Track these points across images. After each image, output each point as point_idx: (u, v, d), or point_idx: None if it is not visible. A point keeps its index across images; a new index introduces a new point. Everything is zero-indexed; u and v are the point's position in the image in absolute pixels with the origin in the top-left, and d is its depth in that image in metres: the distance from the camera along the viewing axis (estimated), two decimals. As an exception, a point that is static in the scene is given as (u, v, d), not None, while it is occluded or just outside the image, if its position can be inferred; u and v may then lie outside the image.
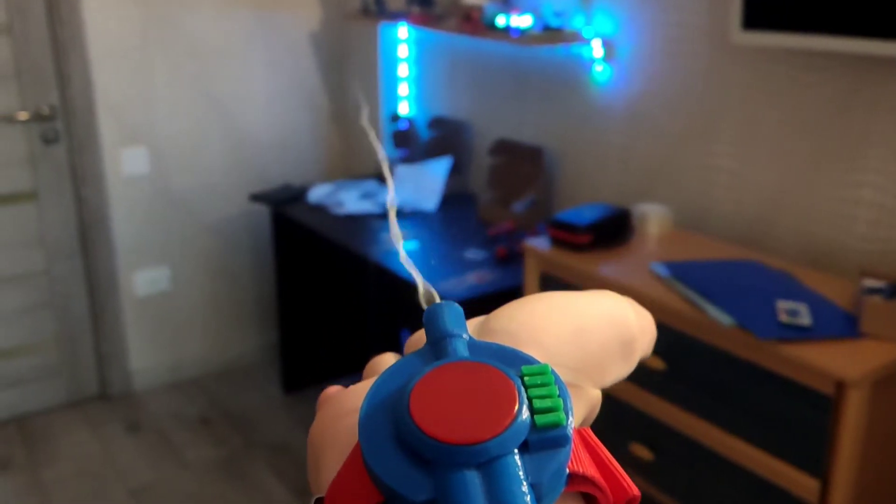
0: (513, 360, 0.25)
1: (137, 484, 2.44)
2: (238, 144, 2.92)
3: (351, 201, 2.59)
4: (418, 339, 0.29)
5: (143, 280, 2.85)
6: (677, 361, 1.61)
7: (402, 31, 2.82)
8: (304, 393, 2.90)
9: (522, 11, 2.22)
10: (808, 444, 1.41)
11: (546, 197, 2.40)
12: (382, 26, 2.86)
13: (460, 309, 0.27)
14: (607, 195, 2.23)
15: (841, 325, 1.46)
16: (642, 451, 1.70)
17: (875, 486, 1.46)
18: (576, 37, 2.17)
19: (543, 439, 0.22)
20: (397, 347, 2.42)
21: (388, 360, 0.29)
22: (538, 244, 1.89)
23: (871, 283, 1.51)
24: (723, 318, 1.49)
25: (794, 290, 1.60)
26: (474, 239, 2.32)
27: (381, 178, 2.79)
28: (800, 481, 1.42)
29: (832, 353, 1.38)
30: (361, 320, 2.98)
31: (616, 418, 1.74)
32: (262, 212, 2.88)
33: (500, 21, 2.21)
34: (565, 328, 0.28)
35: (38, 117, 2.59)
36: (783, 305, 1.50)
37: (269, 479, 2.46)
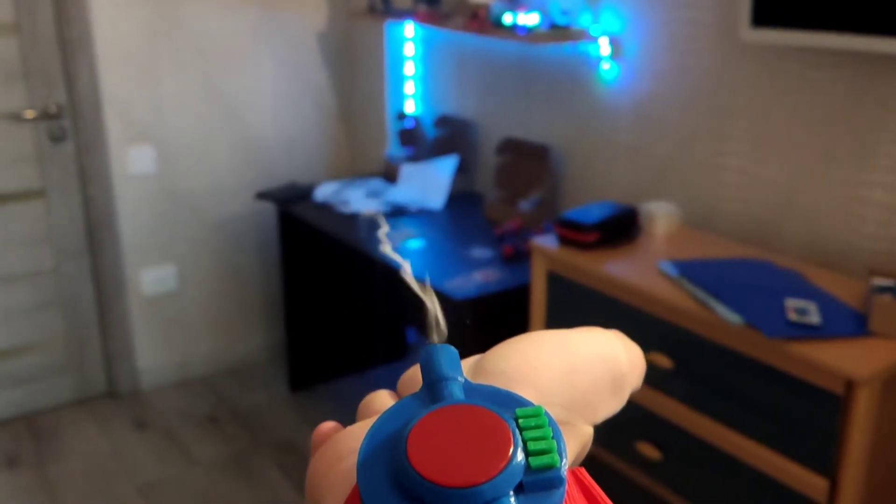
0: (507, 402, 0.26)
1: (145, 481, 2.44)
2: (245, 143, 2.93)
3: (357, 200, 2.59)
4: (412, 375, 0.30)
5: (150, 278, 2.86)
6: (685, 360, 1.60)
7: (409, 29, 2.82)
8: (310, 391, 2.90)
9: (529, 9, 2.21)
10: (816, 444, 1.40)
11: (553, 195, 2.39)
12: (389, 24, 2.86)
13: (455, 351, 0.28)
14: (615, 194, 2.22)
15: (850, 323, 1.45)
16: (650, 451, 1.69)
17: (884, 486, 1.45)
18: (583, 35, 2.16)
19: (538, 481, 0.23)
20: (403, 346, 2.42)
21: (382, 398, 0.30)
22: (545, 243, 1.89)
23: (880, 281, 1.50)
24: (731, 316, 1.49)
25: (803, 289, 1.59)
26: (481, 237, 2.31)
27: (387, 178, 2.79)
28: (809, 481, 1.41)
29: (841, 351, 1.37)
30: (368, 318, 2.98)
31: (623, 417, 1.72)
32: (269, 210, 2.89)
33: (507, 19, 2.20)
34: (557, 368, 0.29)
35: (45, 116, 2.60)
36: (792, 304, 1.49)
37: (276, 477, 2.47)
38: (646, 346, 1.71)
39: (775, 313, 1.47)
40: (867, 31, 1.50)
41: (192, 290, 2.95)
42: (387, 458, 0.24)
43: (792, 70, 1.79)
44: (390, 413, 0.26)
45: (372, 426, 0.26)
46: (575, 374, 0.29)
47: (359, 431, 0.27)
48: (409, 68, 2.87)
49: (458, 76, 2.72)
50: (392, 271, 2.20)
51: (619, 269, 1.75)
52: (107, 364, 2.87)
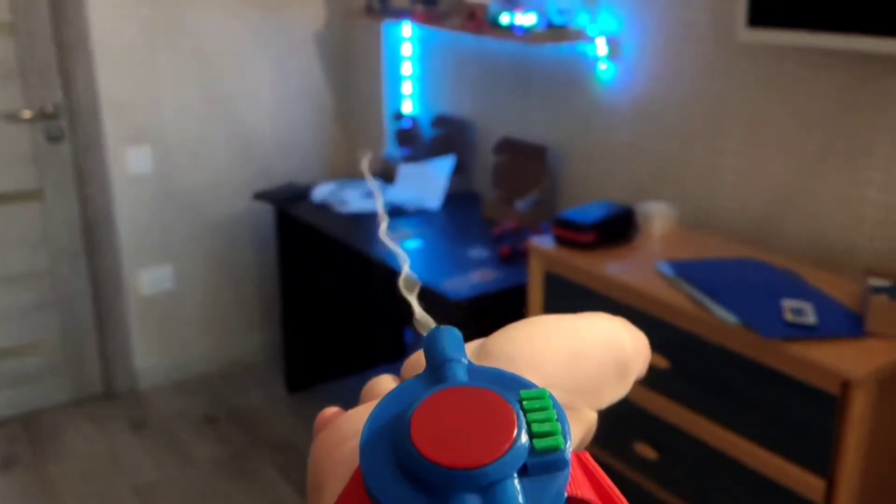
0: (511, 384, 0.25)
1: (142, 482, 2.44)
2: (242, 143, 2.92)
3: (354, 200, 2.59)
4: (416, 360, 0.29)
5: (147, 279, 2.86)
6: (682, 360, 1.61)
7: (406, 29, 2.82)
8: (308, 391, 2.90)
9: (526, 9, 2.21)
10: (813, 444, 1.40)
11: (550, 195, 2.40)
12: (386, 25, 2.86)
13: (459, 333, 0.28)
14: (612, 194, 2.22)
15: (846, 324, 1.45)
16: (647, 451, 1.69)
17: (881, 486, 1.45)
18: (580, 35, 2.16)
19: (542, 463, 0.23)
20: (400, 346, 2.42)
21: (385, 382, 0.30)
22: (542, 243, 1.89)
23: (876, 282, 1.50)
24: (728, 317, 1.49)
25: (800, 289, 1.59)
26: (478, 237, 2.32)
27: (385, 178, 2.79)
28: (805, 481, 1.42)
29: (837, 352, 1.38)
30: (365, 319, 2.98)
31: (621, 418, 1.73)
32: (267, 210, 2.89)
33: (504, 19, 2.20)
34: (562, 352, 0.29)
35: (42, 116, 2.60)
36: (788, 304, 1.50)
37: (274, 478, 2.47)
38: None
39: (772, 313, 1.48)
40: (863, 32, 1.50)
41: (190, 291, 2.95)
42: (390, 439, 0.24)
43: (788, 70, 1.79)
44: (393, 395, 0.26)
45: (375, 408, 0.25)
46: (580, 358, 0.29)
47: (362, 414, 0.27)
48: (406, 68, 2.87)
49: (455, 76, 2.72)
50: (390, 271, 2.20)
51: (616, 270, 1.76)
52: (104, 364, 2.87)
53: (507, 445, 0.23)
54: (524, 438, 0.23)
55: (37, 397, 2.78)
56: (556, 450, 0.23)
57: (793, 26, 1.60)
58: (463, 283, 1.99)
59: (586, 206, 1.97)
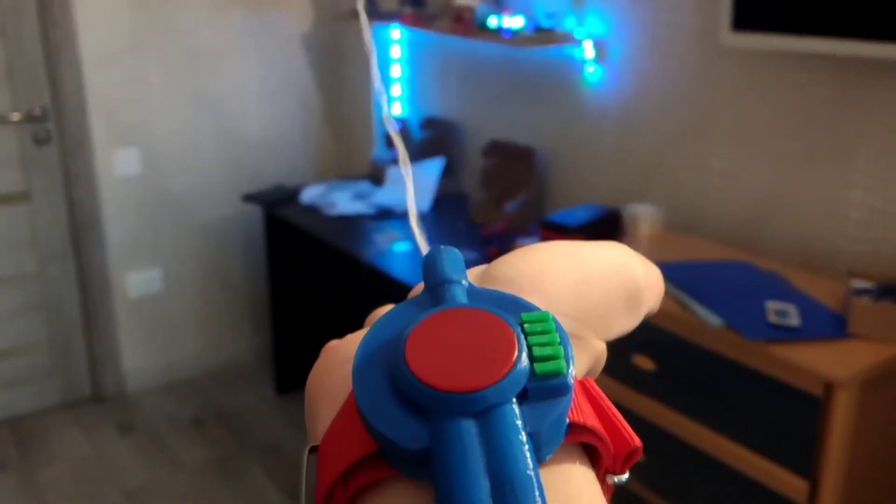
0: (513, 307, 0.24)
1: (131, 485, 2.44)
2: (230, 145, 2.92)
3: (343, 202, 2.59)
4: (418, 291, 0.28)
5: (135, 281, 2.85)
6: (667, 362, 1.61)
7: (395, 32, 2.82)
8: (297, 394, 2.90)
9: (514, 12, 2.22)
10: (796, 445, 1.41)
11: (538, 198, 2.40)
12: (375, 27, 2.86)
13: (460, 254, 0.26)
14: (600, 196, 2.23)
15: (829, 325, 1.47)
16: (633, 452, 1.70)
17: (863, 487, 1.46)
18: (567, 38, 2.17)
19: (543, 388, 0.22)
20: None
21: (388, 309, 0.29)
22: (530, 245, 1.89)
23: (859, 283, 1.52)
24: (712, 318, 1.50)
25: (784, 291, 1.60)
26: (467, 240, 2.32)
27: (374, 180, 2.79)
28: (789, 482, 1.43)
29: (821, 353, 1.39)
30: (354, 321, 2.97)
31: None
32: (255, 212, 2.88)
33: (492, 22, 2.21)
34: (568, 277, 0.27)
35: (30, 118, 2.59)
36: (772, 306, 1.51)
37: (263, 481, 2.46)
38: (628, 349, 1.72)
39: (756, 316, 1.48)
40: (845, 36, 1.51)
41: (178, 293, 2.94)
42: (384, 362, 0.23)
43: (772, 74, 1.80)
44: (389, 317, 0.24)
45: (369, 330, 0.24)
46: (587, 284, 0.27)
47: (359, 338, 0.25)
48: (395, 71, 2.87)
49: (443, 79, 2.73)
50: (379, 273, 2.20)
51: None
52: (92, 367, 2.86)
53: (506, 369, 0.21)
54: (524, 362, 0.22)
55: (24, 401, 2.77)
56: (557, 374, 0.22)
57: (776, 30, 1.61)
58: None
59: (573, 209, 1.98)
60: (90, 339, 2.84)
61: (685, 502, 1.64)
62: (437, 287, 0.25)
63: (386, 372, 0.22)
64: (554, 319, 0.23)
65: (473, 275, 0.27)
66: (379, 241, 2.34)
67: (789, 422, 1.42)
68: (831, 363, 1.36)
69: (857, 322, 1.43)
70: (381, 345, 0.23)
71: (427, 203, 2.55)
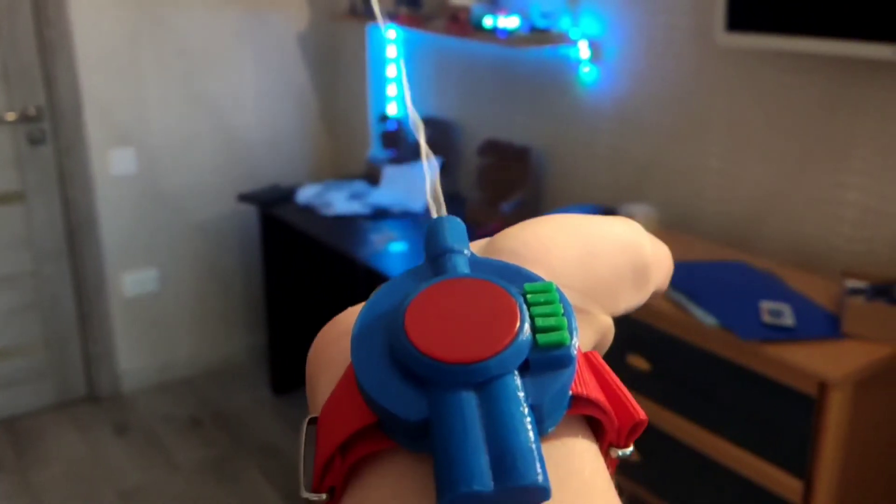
0: (516, 277, 0.24)
1: (127, 486, 2.43)
2: (226, 144, 2.92)
3: (339, 202, 2.59)
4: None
5: (131, 281, 2.85)
6: (662, 362, 1.62)
7: (391, 32, 2.82)
8: (293, 394, 2.90)
9: (509, 13, 2.22)
10: (791, 445, 1.41)
11: (534, 197, 2.40)
12: (371, 27, 2.86)
13: (462, 224, 0.26)
14: (595, 196, 2.23)
15: (823, 325, 1.47)
16: (628, 452, 1.70)
17: (858, 487, 1.46)
18: (563, 38, 2.17)
19: (545, 359, 0.21)
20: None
21: None
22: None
23: (853, 283, 1.52)
24: (707, 318, 1.50)
25: (779, 291, 1.60)
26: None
27: (370, 180, 2.79)
28: (783, 482, 1.43)
29: (815, 353, 1.39)
30: (351, 321, 2.98)
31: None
32: (251, 212, 2.88)
33: (488, 22, 2.21)
34: (574, 250, 0.26)
35: (24, 118, 2.58)
36: (767, 306, 1.51)
37: (259, 481, 2.46)
38: (623, 349, 1.72)
39: (750, 315, 1.49)
40: (840, 36, 1.51)
41: (174, 292, 2.94)
42: (383, 332, 0.22)
43: (767, 74, 1.81)
44: (389, 287, 0.24)
45: (368, 300, 0.24)
46: (593, 257, 0.27)
47: (360, 310, 0.25)
48: (391, 70, 2.87)
49: (439, 78, 2.73)
50: (375, 273, 2.20)
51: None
52: (87, 367, 2.86)
53: (508, 339, 0.21)
54: (527, 333, 0.21)
55: (20, 401, 2.76)
56: (560, 346, 0.21)
57: (770, 31, 1.62)
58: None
59: (569, 209, 1.98)
60: (85, 339, 2.83)
61: (679, 501, 1.64)
62: (438, 257, 0.24)
63: (385, 343, 0.22)
64: (557, 290, 0.23)
65: (477, 247, 0.27)
66: (375, 240, 2.34)
67: (783, 421, 1.42)
68: (825, 363, 1.36)
69: (851, 322, 1.44)
70: (380, 315, 0.23)
71: (423, 203, 2.55)
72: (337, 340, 0.25)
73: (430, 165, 0.28)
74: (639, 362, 1.63)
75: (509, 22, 2.18)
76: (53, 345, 2.79)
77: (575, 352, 0.22)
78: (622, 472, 1.73)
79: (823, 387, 1.35)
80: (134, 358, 2.91)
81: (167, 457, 2.57)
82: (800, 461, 1.40)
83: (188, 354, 3.02)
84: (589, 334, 0.26)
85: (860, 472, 1.45)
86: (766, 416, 1.45)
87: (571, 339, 0.22)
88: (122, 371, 2.90)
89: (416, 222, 2.48)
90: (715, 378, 1.53)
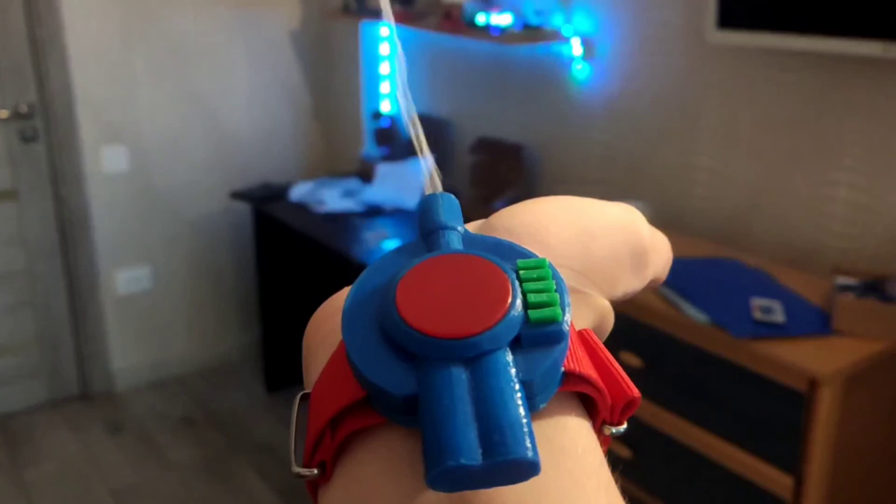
0: (509, 253, 0.23)
1: (120, 485, 2.43)
2: (219, 142, 2.91)
3: (332, 199, 2.59)
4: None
5: (124, 279, 2.84)
6: (654, 359, 1.62)
7: (384, 29, 2.82)
8: (287, 392, 2.89)
9: (502, 10, 2.22)
10: (782, 441, 1.42)
11: (527, 195, 2.39)
12: (363, 24, 2.86)
13: (456, 200, 0.26)
14: (587, 193, 2.22)
15: (814, 322, 1.48)
16: (620, 449, 1.71)
17: (849, 483, 1.47)
18: (556, 35, 2.17)
19: (537, 335, 0.21)
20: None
21: None
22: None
23: (843, 280, 1.53)
24: (698, 316, 1.51)
25: (770, 288, 1.61)
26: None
27: (363, 177, 2.79)
28: (774, 478, 1.43)
29: (805, 350, 1.40)
30: (344, 318, 2.98)
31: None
32: (244, 210, 2.88)
33: (481, 19, 2.21)
34: (571, 229, 0.26)
35: (16, 116, 2.58)
36: (758, 303, 1.52)
37: (253, 479, 2.46)
38: (616, 345, 1.72)
39: (741, 312, 1.49)
40: (831, 34, 1.52)
41: (167, 290, 2.94)
42: (374, 308, 0.22)
43: (758, 71, 1.81)
44: (380, 263, 0.24)
45: (360, 276, 0.24)
46: (590, 238, 0.26)
47: None
48: (384, 68, 2.87)
49: (432, 76, 2.73)
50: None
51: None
52: (80, 365, 2.85)
53: (499, 315, 0.21)
54: (518, 308, 0.21)
55: (12, 399, 2.76)
56: (552, 321, 0.21)
57: (761, 28, 1.62)
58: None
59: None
60: (78, 338, 2.83)
61: (671, 498, 1.65)
62: (431, 233, 0.24)
63: (376, 318, 0.22)
64: (550, 266, 0.23)
65: (474, 227, 0.27)
66: (368, 238, 2.34)
67: (775, 418, 1.43)
68: (816, 359, 1.37)
69: (841, 318, 1.44)
70: (372, 291, 0.23)
71: (416, 201, 2.55)
72: (331, 317, 0.25)
73: (425, 150, 0.28)
74: (631, 359, 1.64)
75: (502, 19, 2.18)
76: (45, 343, 2.79)
77: (567, 328, 0.21)
78: (615, 468, 1.73)
79: (814, 383, 1.36)
80: (127, 356, 2.91)
81: (160, 455, 2.56)
82: (790, 457, 1.41)
83: (181, 352, 3.02)
84: (585, 314, 0.25)
85: (850, 467, 1.46)
86: (757, 412, 1.46)
87: (564, 315, 0.21)
88: (115, 369, 2.89)
89: (409, 220, 2.48)
90: (706, 375, 1.53)
